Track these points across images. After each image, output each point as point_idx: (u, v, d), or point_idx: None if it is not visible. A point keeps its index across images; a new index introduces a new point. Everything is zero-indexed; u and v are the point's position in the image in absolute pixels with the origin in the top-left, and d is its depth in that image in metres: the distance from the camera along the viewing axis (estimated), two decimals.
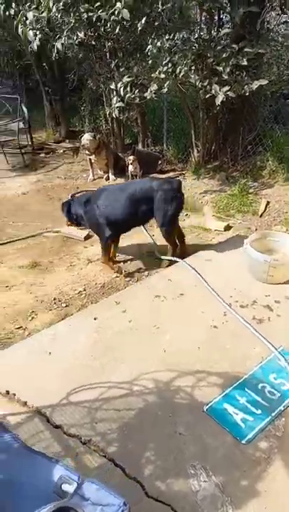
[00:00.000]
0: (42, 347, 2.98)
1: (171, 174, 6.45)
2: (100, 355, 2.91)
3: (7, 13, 4.97)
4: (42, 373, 2.78)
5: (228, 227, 4.63)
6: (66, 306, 3.51)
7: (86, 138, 5.97)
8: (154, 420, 2.49)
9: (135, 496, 2.12)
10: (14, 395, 2.60)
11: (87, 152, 6.11)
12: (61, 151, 7.77)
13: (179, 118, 7.17)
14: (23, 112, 7.02)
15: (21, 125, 7.08)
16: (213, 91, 4.17)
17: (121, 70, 5.29)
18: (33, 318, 3.38)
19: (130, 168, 6.12)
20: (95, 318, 3.23)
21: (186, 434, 2.41)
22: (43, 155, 7.64)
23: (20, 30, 4.62)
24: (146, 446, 2.36)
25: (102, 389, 2.68)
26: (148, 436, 2.40)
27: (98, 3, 4.19)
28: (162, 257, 4.10)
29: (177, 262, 3.95)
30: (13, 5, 4.94)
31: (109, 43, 5.07)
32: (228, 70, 4.07)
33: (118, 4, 3.84)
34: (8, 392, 2.62)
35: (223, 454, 2.30)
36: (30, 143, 7.53)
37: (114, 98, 4.76)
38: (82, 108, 7.91)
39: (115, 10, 3.87)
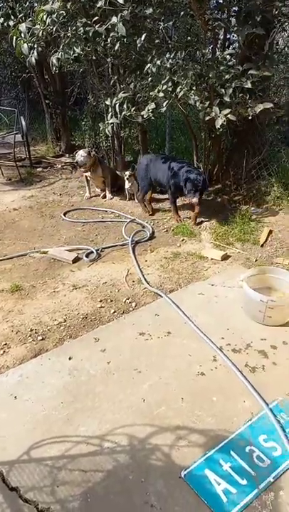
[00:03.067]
0: (7, 389, 2.68)
1: None
2: (70, 403, 2.60)
3: (5, 24, 4.79)
4: (3, 421, 2.48)
5: (225, 257, 4.34)
6: (42, 340, 3.22)
7: (80, 154, 5.75)
8: (123, 486, 2.17)
9: None
10: None
11: (82, 169, 5.88)
12: (60, 166, 7.56)
13: (183, 137, 6.95)
14: (22, 125, 6.83)
15: (19, 138, 6.88)
16: (213, 113, 3.92)
17: (122, 86, 5.09)
18: (4, 352, 3.09)
19: (126, 184, 5.87)
20: (70, 358, 2.93)
21: (158, 506, 2.08)
22: (40, 169, 7.43)
23: (14, 43, 4.43)
24: None
25: (69, 444, 2.37)
26: (115, 507, 2.09)
27: (96, 18, 3.98)
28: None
29: (161, 296, 3.66)
30: (12, 17, 4.77)
31: (110, 59, 4.86)
32: (230, 92, 3.83)
33: (114, 19, 3.63)
34: None
35: None
36: (27, 156, 7.32)
37: (109, 114, 4.52)
38: (83, 123, 7.71)
39: (110, 24, 3.66)
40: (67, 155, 7.97)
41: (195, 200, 4.81)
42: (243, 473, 2.23)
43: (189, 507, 2.08)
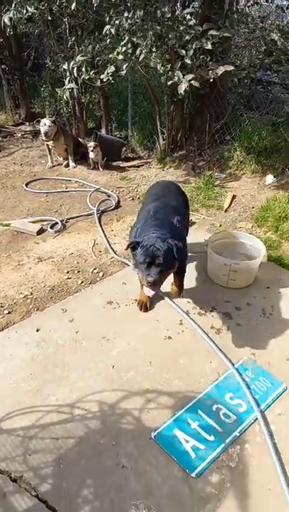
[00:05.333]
0: None
1: (135, 162, 6.12)
2: (39, 374, 2.61)
3: None
4: None
5: (190, 223, 4.35)
6: (9, 313, 3.17)
7: (46, 124, 5.52)
8: (94, 450, 2.23)
9: None
10: None
11: (44, 138, 5.68)
12: (20, 134, 7.27)
13: (145, 101, 6.80)
14: None
15: None
16: (176, 78, 3.83)
17: (80, 48, 4.87)
18: None
19: (91, 155, 5.74)
20: (37, 330, 2.91)
21: (129, 466, 2.15)
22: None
23: None
24: (84, 482, 2.10)
25: (40, 414, 2.39)
26: (87, 471, 2.14)
27: None
28: (118, 258, 3.81)
29: (128, 265, 3.66)
30: None
31: (66, 19, 4.62)
32: (190, 53, 3.73)
33: None
34: None
35: (169, 491, 2.06)
36: None
37: (67, 79, 4.34)
38: (42, 89, 7.39)
39: None
40: (27, 123, 7.66)
41: (150, 279, 2.58)
42: (211, 430, 2.33)
43: (159, 465, 2.16)
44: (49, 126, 5.52)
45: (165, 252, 2.58)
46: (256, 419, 2.39)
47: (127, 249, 2.79)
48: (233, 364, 2.69)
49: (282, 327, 2.99)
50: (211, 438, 2.29)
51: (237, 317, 3.07)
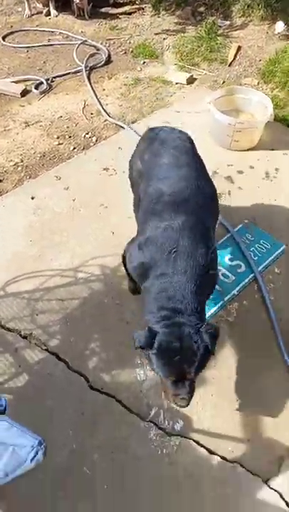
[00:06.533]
0: None
1: (127, 8, 5.31)
2: (38, 240, 2.59)
3: None
4: None
5: (191, 80, 3.95)
6: (0, 182, 3.04)
7: None
8: (99, 309, 2.32)
9: (79, 389, 2.04)
10: None
11: None
12: None
13: None
14: None
15: None
16: None
17: None
18: None
19: (76, 0, 4.94)
20: (32, 198, 2.81)
21: (132, 322, 2.26)
22: None
23: None
24: (91, 337, 2.22)
25: (43, 278, 2.43)
26: (92, 327, 2.25)
27: None
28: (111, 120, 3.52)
29: (123, 127, 3.39)
30: None
31: None
32: None
33: None
34: None
35: None
36: None
37: None
38: None
39: None
40: None
41: (182, 403, 1.67)
42: None
43: None
44: None
45: (201, 358, 1.62)
46: (254, 278, 2.45)
47: (137, 349, 1.69)
48: (233, 227, 2.67)
49: (285, 190, 2.91)
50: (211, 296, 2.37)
51: (239, 181, 2.96)
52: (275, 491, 1.80)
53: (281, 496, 1.78)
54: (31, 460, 1.30)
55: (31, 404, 1.96)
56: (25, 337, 2.20)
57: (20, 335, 2.21)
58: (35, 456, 1.30)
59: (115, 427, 1.93)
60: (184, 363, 1.59)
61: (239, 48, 4.27)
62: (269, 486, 1.80)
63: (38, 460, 1.31)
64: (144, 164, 2.15)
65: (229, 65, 4.11)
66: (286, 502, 1.77)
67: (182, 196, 1.89)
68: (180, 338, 1.60)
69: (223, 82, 3.93)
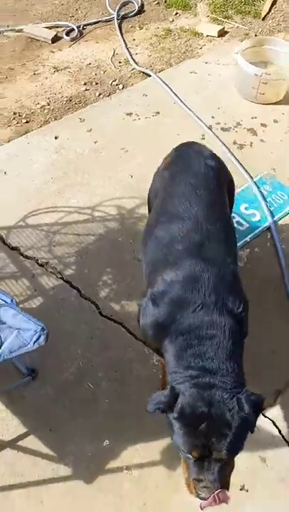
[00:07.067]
0: None
1: None
2: (59, 179, 2.67)
3: None
4: None
5: (222, 33, 3.87)
6: (27, 122, 3.10)
7: None
8: (113, 246, 2.41)
9: (89, 315, 2.16)
10: None
11: None
12: None
13: None
14: None
15: None
16: None
17: None
18: None
19: None
20: (56, 137, 2.88)
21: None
22: None
23: None
24: (104, 270, 2.32)
25: (62, 213, 2.53)
26: (106, 262, 2.35)
27: None
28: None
29: (150, 75, 3.38)
30: None
31: None
32: None
33: None
34: None
35: None
36: None
37: None
38: None
39: None
40: None
41: (202, 495, 1.24)
42: None
43: None
44: None
45: (237, 432, 1.24)
46: (268, 227, 2.49)
47: (152, 413, 1.34)
48: (252, 178, 2.68)
49: None
50: None
51: (262, 134, 2.95)
52: (270, 419, 1.89)
53: (274, 424, 1.88)
54: (34, 342, 1.43)
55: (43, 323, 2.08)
56: (41, 265, 2.32)
57: (38, 263, 2.33)
58: (37, 339, 1.42)
59: (121, 351, 2.05)
60: (212, 434, 1.22)
61: (274, 1, 4.13)
62: (264, 415, 1.89)
63: (39, 343, 1.44)
64: (161, 185, 1.88)
65: (263, 19, 3.99)
66: (279, 429, 1.87)
67: (197, 240, 1.59)
68: (210, 402, 1.26)
69: (255, 35, 3.83)
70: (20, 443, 1.82)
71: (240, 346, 1.47)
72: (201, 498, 1.23)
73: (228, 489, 1.23)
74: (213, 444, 1.21)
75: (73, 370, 1.99)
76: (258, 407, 1.28)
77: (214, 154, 1.92)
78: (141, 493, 1.68)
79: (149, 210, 2.04)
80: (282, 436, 1.84)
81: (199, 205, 1.67)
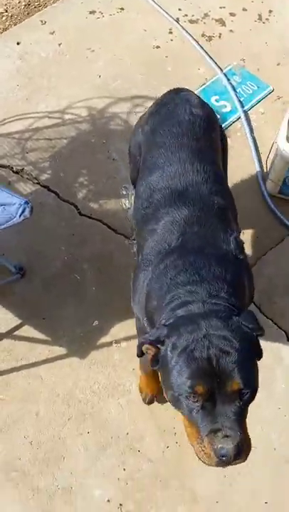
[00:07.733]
0: None
1: None
2: (26, 85, 2.59)
3: None
4: None
5: None
6: None
7: None
8: (87, 148, 2.42)
9: (69, 215, 2.22)
10: None
11: None
12: None
13: None
14: None
15: None
16: None
17: None
18: None
19: None
20: (18, 43, 2.75)
21: (119, 160, 2.37)
22: None
23: None
24: (79, 172, 2.35)
25: (31, 119, 2.49)
26: (81, 164, 2.37)
27: None
28: None
29: None
30: None
31: None
32: None
33: None
34: None
35: None
36: None
37: None
38: None
39: None
40: None
41: (223, 451, 0.94)
42: None
43: None
44: None
45: (242, 350, 0.99)
46: (239, 118, 2.49)
47: (140, 356, 1.16)
48: (221, 69, 2.64)
49: (277, 33, 2.81)
50: None
51: (230, 23, 2.85)
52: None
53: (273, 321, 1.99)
54: (20, 215, 1.50)
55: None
56: (17, 172, 2.33)
57: (13, 170, 2.34)
58: (23, 212, 1.50)
59: (102, 244, 2.14)
60: (217, 359, 0.96)
61: None
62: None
63: (25, 216, 1.51)
64: (144, 138, 1.68)
65: None
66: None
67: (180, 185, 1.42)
68: (204, 317, 1.04)
69: None
70: (16, 333, 1.95)
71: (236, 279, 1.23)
72: (222, 455, 0.92)
73: (249, 446, 0.97)
74: (225, 369, 0.95)
75: (59, 264, 2.09)
76: (254, 316, 1.11)
77: (203, 102, 1.72)
78: (130, 361, 1.85)
79: (131, 168, 1.91)
80: None
81: (183, 152, 1.48)
